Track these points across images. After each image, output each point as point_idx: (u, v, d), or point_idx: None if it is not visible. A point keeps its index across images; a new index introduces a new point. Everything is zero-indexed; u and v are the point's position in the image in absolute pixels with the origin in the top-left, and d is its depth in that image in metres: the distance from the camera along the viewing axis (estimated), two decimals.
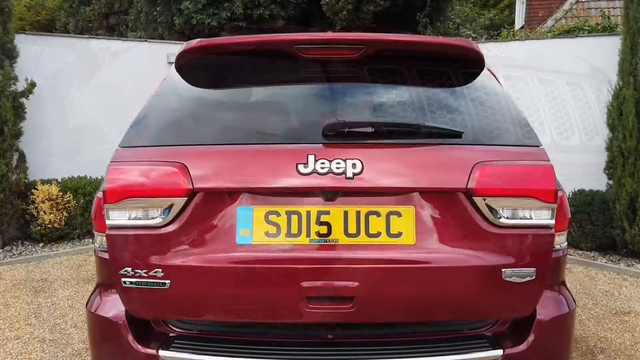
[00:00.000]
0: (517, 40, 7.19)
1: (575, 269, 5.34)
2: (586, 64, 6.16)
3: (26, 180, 6.06)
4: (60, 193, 6.01)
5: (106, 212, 1.98)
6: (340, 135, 1.96)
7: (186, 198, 1.93)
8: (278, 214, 1.94)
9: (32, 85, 6.01)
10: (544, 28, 9.32)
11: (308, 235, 1.92)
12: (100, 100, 6.63)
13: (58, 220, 5.95)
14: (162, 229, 1.94)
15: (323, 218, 1.93)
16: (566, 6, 10.51)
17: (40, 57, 6.43)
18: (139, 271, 1.94)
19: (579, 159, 5.97)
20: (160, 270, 1.92)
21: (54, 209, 5.93)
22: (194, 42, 2.26)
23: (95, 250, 2.17)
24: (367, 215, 1.94)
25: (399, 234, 1.93)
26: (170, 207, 1.93)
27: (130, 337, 2.00)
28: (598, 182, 5.82)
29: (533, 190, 1.94)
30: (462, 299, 1.98)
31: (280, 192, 1.96)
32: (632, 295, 4.58)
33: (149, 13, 9.69)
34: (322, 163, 1.90)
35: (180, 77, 2.30)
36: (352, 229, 1.93)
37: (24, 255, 5.73)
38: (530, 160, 2.01)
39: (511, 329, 2.07)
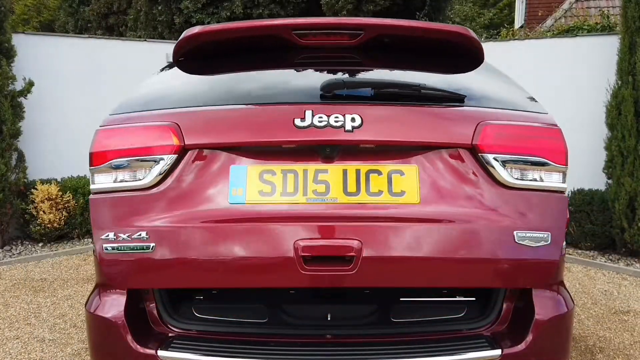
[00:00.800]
0: (516, 39, 7.19)
1: (575, 268, 5.34)
2: (585, 63, 6.15)
3: (25, 180, 6.06)
4: (60, 193, 6.01)
5: (91, 176, 1.91)
6: (339, 97, 1.90)
7: (176, 156, 1.86)
8: (273, 173, 1.86)
9: (30, 84, 6.01)
10: (544, 27, 9.32)
11: (305, 194, 1.83)
12: (100, 99, 6.62)
13: (57, 220, 5.95)
14: (149, 190, 1.86)
15: (321, 177, 1.85)
16: (566, 5, 10.51)
17: (39, 56, 6.42)
18: (122, 235, 1.84)
19: (577, 158, 5.97)
20: (144, 232, 1.83)
21: (54, 208, 5.93)
22: (193, 30, 2.26)
23: (94, 250, 2.18)
24: (367, 173, 1.86)
25: (402, 193, 1.85)
26: (159, 166, 1.86)
27: (129, 337, 1.99)
28: (597, 181, 5.83)
29: (542, 150, 1.89)
30: (471, 262, 1.87)
31: (276, 148, 1.87)
32: (632, 294, 4.58)
33: (148, 12, 9.69)
34: (320, 117, 1.83)
35: (178, 64, 2.30)
36: (351, 188, 1.84)
37: (24, 255, 5.73)
38: (538, 122, 1.97)
39: (509, 329, 2.07)
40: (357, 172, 1.86)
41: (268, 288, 2.04)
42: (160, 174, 1.87)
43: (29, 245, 6.03)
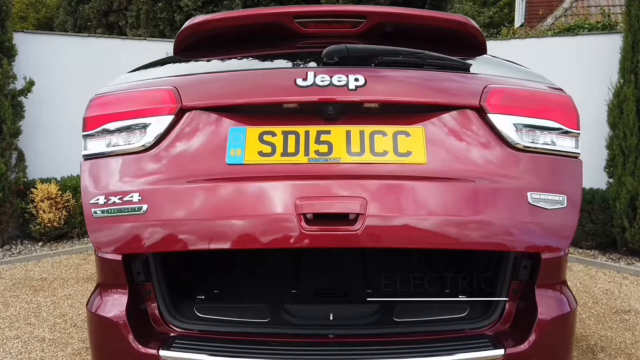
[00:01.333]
0: (517, 38, 7.18)
1: (576, 267, 5.33)
2: (586, 62, 6.14)
3: (25, 179, 6.04)
4: (60, 192, 6.00)
5: (83, 142, 1.87)
6: (342, 64, 1.84)
7: (173, 117, 1.82)
8: (273, 134, 1.80)
9: (31, 83, 6.00)
10: (544, 26, 9.30)
11: (306, 154, 1.77)
12: None
13: (57, 219, 5.94)
14: (144, 152, 1.82)
15: (323, 137, 1.79)
16: (566, 4, 10.49)
17: (39, 55, 6.40)
18: (112, 198, 1.77)
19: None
20: (137, 194, 1.76)
21: (53, 207, 5.92)
22: (196, 19, 2.25)
23: (95, 250, 2.16)
24: (371, 134, 1.80)
25: (408, 153, 1.78)
26: (155, 128, 1.82)
27: (130, 337, 1.98)
28: (598, 180, 5.82)
29: (553, 113, 1.84)
30: (481, 222, 1.79)
31: (277, 109, 1.82)
32: (632, 293, 4.57)
33: (149, 10, 9.68)
34: (323, 77, 1.78)
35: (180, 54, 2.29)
36: (355, 148, 1.77)
37: (24, 255, 5.72)
38: (548, 89, 1.94)
39: (512, 329, 2.06)
40: (361, 133, 1.80)
41: (268, 250, 1.97)
42: (156, 137, 1.82)
43: (29, 245, 6.02)
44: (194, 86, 1.90)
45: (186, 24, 2.28)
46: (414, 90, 1.86)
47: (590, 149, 5.94)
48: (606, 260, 5.51)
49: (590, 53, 6.16)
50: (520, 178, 1.81)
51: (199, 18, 2.25)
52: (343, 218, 1.72)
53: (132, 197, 1.78)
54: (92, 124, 1.88)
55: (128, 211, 1.78)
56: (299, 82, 1.78)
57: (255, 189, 1.76)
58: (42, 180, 6.07)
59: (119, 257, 2.06)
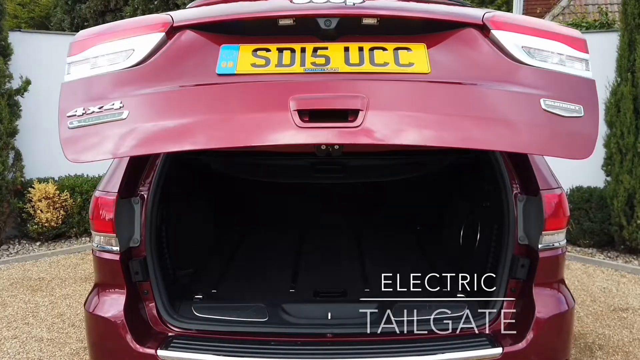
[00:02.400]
0: None
1: (574, 265, 5.34)
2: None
3: (23, 179, 6.02)
4: (57, 191, 5.98)
5: (66, 68, 1.80)
6: None
7: (163, 34, 1.77)
8: (267, 50, 1.74)
9: (27, 82, 5.97)
10: None
11: (302, 64, 1.70)
12: None
13: (55, 218, 5.92)
14: (130, 69, 1.75)
15: (320, 52, 1.72)
16: (564, 2, 10.49)
17: (35, 54, 6.38)
18: (91, 108, 1.68)
19: None
20: (118, 102, 1.68)
21: (51, 207, 5.90)
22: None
23: (93, 250, 2.16)
24: (371, 49, 1.73)
25: (410, 64, 1.71)
26: (143, 45, 1.76)
27: (128, 337, 1.99)
28: (596, 178, 5.82)
29: (558, 37, 1.81)
30: (491, 120, 1.70)
31: (272, 26, 1.75)
32: (630, 291, 4.58)
33: (145, 10, 9.66)
34: None
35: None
36: (354, 60, 1.70)
37: (21, 254, 5.70)
38: (553, 29, 1.91)
39: (510, 327, 2.07)
40: (360, 49, 1.74)
41: (260, 152, 1.89)
42: (145, 54, 1.76)
43: (27, 245, 6.00)
44: (187, 12, 1.87)
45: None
46: (416, 6, 1.81)
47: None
48: (604, 259, 5.51)
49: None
50: (530, 87, 1.73)
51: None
52: (342, 117, 1.60)
53: (112, 104, 1.68)
54: (77, 48, 1.80)
55: (107, 118, 1.66)
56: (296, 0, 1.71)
57: (247, 91, 1.69)
58: (40, 180, 6.05)
59: (116, 257, 2.06)
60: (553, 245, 2.08)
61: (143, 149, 1.74)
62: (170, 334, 2.07)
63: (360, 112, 1.58)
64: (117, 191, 2.07)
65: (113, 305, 2.05)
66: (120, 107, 1.66)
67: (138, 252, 2.13)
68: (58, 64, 6.49)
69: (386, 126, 1.64)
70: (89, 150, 1.69)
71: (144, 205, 2.15)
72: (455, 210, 3.10)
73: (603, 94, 5.63)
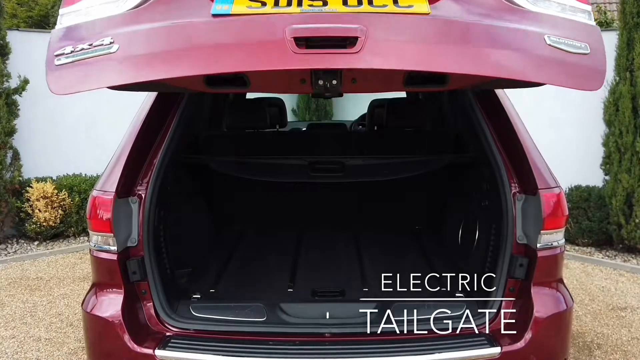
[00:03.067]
0: None
1: (572, 264, 5.34)
2: None
3: (21, 178, 6.01)
4: (56, 191, 5.97)
5: (58, 19, 1.77)
6: None
7: None
8: None
9: (26, 82, 5.95)
10: None
11: (299, 5, 1.68)
12: (95, 96, 6.56)
13: (53, 218, 5.90)
14: (123, 13, 1.72)
15: None
16: None
17: (34, 53, 6.34)
18: (81, 45, 1.63)
19: (573, 153, 5.97)
20: (108, 38, 1.62)
21: (49, 207, 5.88)
22: None
23: (90, 250, 2.15)
24: None
25: (410, 6, 1.68)
26: None
27: (126, 337, 1.98)
28: (594, 177, 5.82)
29: None
30: (492, 51, 1.68)
31: None
32: (629, 290, 4.58)
33: None
34: None
35: None
36: (352, 2, 1.69)
37: (19, 254, 5.69)
38: None
39: (509, 327, 2.07)
40: None
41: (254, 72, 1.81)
42: (138, 1, 1.73)
43: (25, 244, 5.98)
44: None
45: None
46: None
47: (586, 146, 5.96)
48: (602, 258, 5.51)
49: None
50: (533, 26, 1.72)
51: None
52: (340, 45, 1.55)
53: (102, 41, 1.62)
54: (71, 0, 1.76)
55: (97, 52, 1.61)
56: None
57: (242, 25, 1.66)
58: (38, 179, 6.03)
59: (114, 257, 2.05)
60: (552, 244, 2.08)
61: (131, 77, 1.68)
62: (168, 333, 2.07)
63: (359, 39, 1.54)
64: (114, 190, 2.07)
65: (111, 305, 2.04)
66: (111, 42, 1.61)
67: (136, 252, 2.13)
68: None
69: (386, 52, 1.61)
70: (75, 83, 1.65)
71: (141, 205, 2.15)
72: (454, 210, 3.10)
73: (601, 93, 5.63)
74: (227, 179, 3.06)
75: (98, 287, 2.12)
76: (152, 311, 2.11)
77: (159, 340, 2.01)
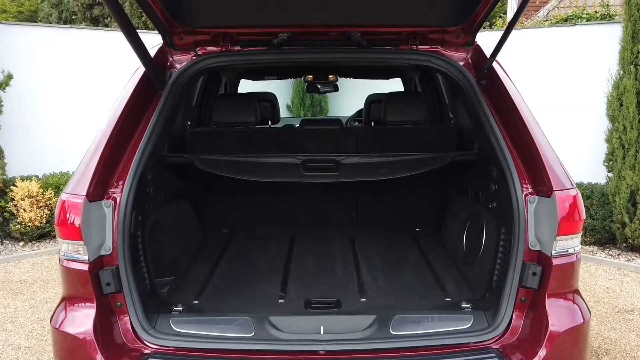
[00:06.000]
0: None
1: None
2: (584, 53, 5.97)
3: (4, 177, 5.81)
4: (41, 190, 5.77)
5: None
6: None
7: None
8: None
9: (10, 77, 5.75)
10: (539, 16, 9.12)
11: None
12: (83, 91, 6.37)
13: (39, 218, 5.70)
14: None
15: None
16: None
17: (19, 47, 6.14)
18: None
19: (575, 150, 5.81)
20: None
21: (35, 206, 5.68)
22: None
23: (59, 259, 1.96)
24: None
25: None
26: None
27: (98, 357, 1.79)
28: (597, 174, 5.67)
29: None
30: None
31: None
32: (635, 292, 4.42)
33: (133, 2, 9.45)
34: None
35: None
36: None
37: (3, 255, 5.49)
38: None
39: (521, 342, 1.89)
40: None
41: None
42: None
43: (9, 245, 5.78)
44: None
45: None
46: None
47: (589, 142, 5.80)
48: (605, 257, 5.36)
49: (588, 44, 5.98)
50: None
51: None
52: None
53: None
54: None
55: None
56: None
57: None
58: (23, 178, 5.83)
59: (85, 267, 1.87)
60: (567, 251, 1.91)
61: None
62: (146, 351, 1.88)
63: None
64: (85, 193, 1.88)
65: (81, 320, 1.86)
66: None
67: (110, 261, 1.94)
68: (43, 58, 6.26)
69: None
70: None
71: (116, 209, 1.96)
72: (458, 212, 2.91)
73: (605, 87, 5.48)
74: (215, 179, 2.87)
75: (68, 300, 1.94)
76: (129, 326, 1.92)
77: (136, 359, 1.83)
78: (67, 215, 1.88)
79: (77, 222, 1.86)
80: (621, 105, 5.26)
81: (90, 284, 1.86)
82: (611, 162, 5.42)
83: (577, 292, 1.97)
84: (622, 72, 5.30)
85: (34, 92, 6.23)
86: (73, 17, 11.79)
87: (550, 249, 1.89)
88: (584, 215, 1.91)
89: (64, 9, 12.15)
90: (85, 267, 1.88)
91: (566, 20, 6.74)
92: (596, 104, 5.66)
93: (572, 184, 1.94)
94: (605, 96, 5.47)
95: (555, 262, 1.87)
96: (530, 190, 2.01)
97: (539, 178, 1.97)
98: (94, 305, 1.87)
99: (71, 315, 1.89)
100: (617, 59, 5.37)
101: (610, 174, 5.50)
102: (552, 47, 6.13)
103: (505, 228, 2.11)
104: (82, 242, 1.87)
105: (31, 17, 16.00)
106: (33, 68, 6.23)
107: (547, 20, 7.83)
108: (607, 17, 6.44)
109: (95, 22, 11.26)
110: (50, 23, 12.08)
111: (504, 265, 2.04)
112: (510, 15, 18.58)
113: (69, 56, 6.44)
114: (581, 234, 1.95)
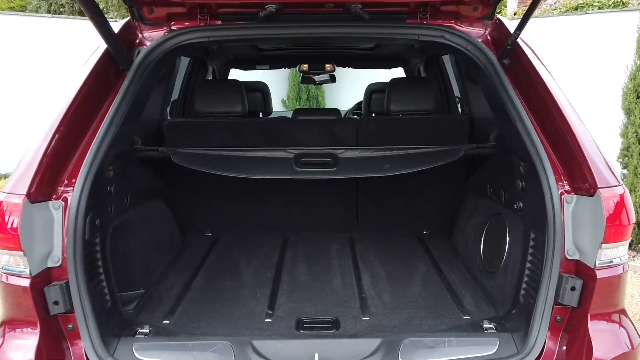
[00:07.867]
0: (519, 18, 6.71)
1: None
2: (597, 42, 5.73)
3: None
4: None
5: None
6: None
7: None
8: None
9: None
10: (547, 4, 8.85)
11: None
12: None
13: None
14: None
15: None
16: None
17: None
18: None
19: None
20: None
21: None
22: None
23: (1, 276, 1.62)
24: None
25: None
26: None
27: None
28: None
29: None
30: None
31: None
32: None
33: None
34: None
35: None
36: None
37: None
38: None
39: None
40: None
41: None
42: None
43: None
44: None
45: None
46: None
47: (602, 136, 5.50)
48: None
49: (601, 33, 5.75)
50: None
51: None
52: None
53: None
54: None
55: None
56: None
57: None
58: (0, 176, 5.55)
59: (26, 283, 1.53)
60: (612, 261, 1.58)
61: None
62: None
63: None
64: (25, 193, 1.54)
65: (21, 348, 1.53)
66: None
67: (59, 274, 1.61)
68: (25, 47, 5.91)
69: None
70: None
71: (66, 211, 1.62)
72: (473, 213, 2.57)
73: (620, 78, 5.21)
74: (197, 176, 2.54)
75: (8, 324, 1.61)
76: (82, 352, 1.60)
77: None
78: (5, 219, 1.54)
79: (15, 227, 1.52)
80: (637, 97, 4.95)
81: (32, 302, 1.53)
82: (626, 158, 5.12)
83: (623, 311, 1.65)
84: (639, 62, 5.00)
85: (13, 84, 5.97)
86: (61, 9, 11.59)
87: (593, 259, 1.57)
88: (633, 217, 1.59)
89: (53, 2, 11.99)
90: (26, 282, 1.54)
91: (576, 9, 6.48)
92: (609, 96, 5.39)
93: (618, 181, 1.63)
94: (621, 88, 5.19)
95: (599, 274, 1.55)
96: (567, 187, 1.69)
97: (579, 173, 1.65)
98: (37, 329, 1.53)
99: (10, 343, 1.56)
100: (633, 49, 5.08)
101: (625, 171, 5.20)
102: (562, 37, 5.89)
103: (535, 233, 1.78)
104: (21, 252, 1.53)
105: (22, 11, 15.83)
106: (14, 58, 5.98)
107: (555, 9, 7.55)
108: (620, 5, 6.20)
109: (83, 14, 11.06)
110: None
111: (533, 278, 1.72)
112: (510, 7, 18.32)
113: (53, 45, 6.16)
114: (629, 241, 1.63)
